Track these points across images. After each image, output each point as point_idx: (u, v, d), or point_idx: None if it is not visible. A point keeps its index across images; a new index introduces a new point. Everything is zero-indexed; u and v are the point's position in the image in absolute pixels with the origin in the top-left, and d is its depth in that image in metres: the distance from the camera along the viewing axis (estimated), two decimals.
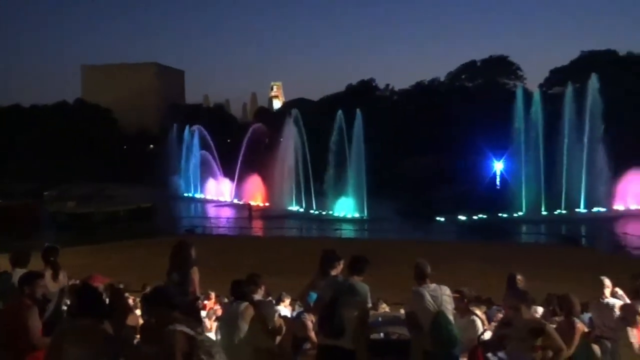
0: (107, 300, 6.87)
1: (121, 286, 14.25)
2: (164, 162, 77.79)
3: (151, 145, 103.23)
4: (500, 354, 4.66)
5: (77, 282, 11.46)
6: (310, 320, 7.38)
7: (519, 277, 9.29)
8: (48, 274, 7.89)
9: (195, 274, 7.07)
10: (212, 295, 14.40)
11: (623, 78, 65.81)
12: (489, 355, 4.81)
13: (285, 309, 11.40)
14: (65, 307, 7.97)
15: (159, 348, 4.43)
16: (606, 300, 10.93)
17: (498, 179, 58.92)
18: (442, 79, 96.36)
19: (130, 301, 12.37)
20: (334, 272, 7.02)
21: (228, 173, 68.06)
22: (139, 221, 46.74)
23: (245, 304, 6.50)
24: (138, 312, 10.61)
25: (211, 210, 61.14)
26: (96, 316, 4.89)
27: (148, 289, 14.76)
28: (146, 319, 5.55)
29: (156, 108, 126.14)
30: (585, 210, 49.58)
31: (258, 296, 7.07)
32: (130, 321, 7.21)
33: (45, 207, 52.66)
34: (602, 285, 11.08)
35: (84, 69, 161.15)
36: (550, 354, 4.80)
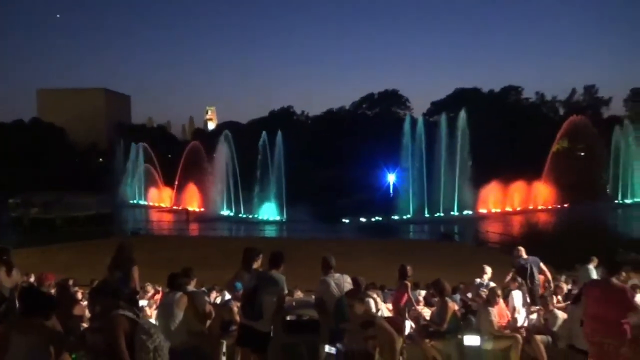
0: (56, 294, 6.47)
1: (71, 282, 13.47)
2: (112, 174, 74.54)
3: (100, 159, 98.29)
4: (339, 345, 4.53)
5: (32, 277, 10.75)
6: (236, 306, 7.27)
7: (408, 267, 9.49)
8: (2, 271, 7.35)
9: (136, 271, 6.80)
10: (159, 289, 13.80)
11: (485, 109, 69.37)
12: (328, 346, 4.70)
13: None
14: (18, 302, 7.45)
15: (105, 331, 4.25)
16: (478, 281, 11.37)
17: (391, 188, 60.37)
18: (347, 107, 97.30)
19: (79, 294, 11.72)
20: (255, 266, 6.99)
21: (168, 183, 66.02)
22: (97, 225, 44.40)
23: (180, 293, 6.31)
24: (85, 303, 10.05)
25: (154, 215, 59.02)
26: (41, 315, 4.59)
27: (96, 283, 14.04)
28: (91, 309, 5.26)
29: (105, 128, 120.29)
30: (457, 213, 51.37)
31: (191, 287, 6.89)
32: (76, 311, 6.82)
33: (9, 213, 49.20)
34: (482, 271, 11.53)
35: (39, 92, 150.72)
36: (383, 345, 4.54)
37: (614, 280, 6.26)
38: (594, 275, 11.46)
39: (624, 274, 10.04)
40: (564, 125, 62.48)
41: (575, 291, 10.60)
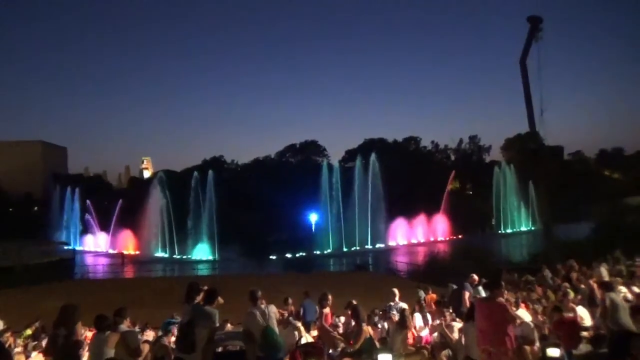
0: None
1: (3, 326, 12.19)
2: (47, 222, 68.92)
3: (35, 208, 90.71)
4: None
5: None
6: (167, 342, 6.89)
7: (329, 295, 9.48)
8: None
9: (80, 328, 6.30)
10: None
11: (391, 156, 72.26)
12: None
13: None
14: None
15: None
16: (390, 304, 11.53)
17: (313, 227, 60.54)
18: (272, 156, 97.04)
19: (11, 340, 10.69)
20: (197, 299, 6.77)
21: (104, 229, 61.94)
22: (57, 271, 40.30)
23: (109, 333, 5.92)
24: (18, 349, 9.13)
25: (89, 259, 54.89)
26: None
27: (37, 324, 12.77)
28: None
29: (41, 178, 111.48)
30: (371, 246, 52.13)
31: (124, 326, 6.47)
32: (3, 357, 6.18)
33: None
34: (393, 294, 11.75)
35: None
36: None
37: (497, 297, 6.64)
38: (483, 294, 12.05)
39: (505, 292, 10.64)
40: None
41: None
